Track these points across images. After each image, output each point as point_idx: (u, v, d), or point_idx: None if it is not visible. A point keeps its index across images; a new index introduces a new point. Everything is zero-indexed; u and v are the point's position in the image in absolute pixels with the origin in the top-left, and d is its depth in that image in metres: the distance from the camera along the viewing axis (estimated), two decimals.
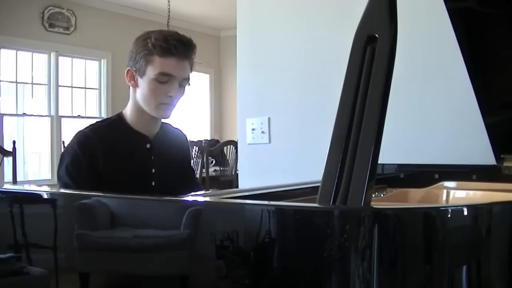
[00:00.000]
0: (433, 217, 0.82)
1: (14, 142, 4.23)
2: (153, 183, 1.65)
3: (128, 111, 1.65)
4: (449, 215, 0.83)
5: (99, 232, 1.07)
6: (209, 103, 8.39)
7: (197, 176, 5.25)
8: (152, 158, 1.66)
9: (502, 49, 1.56)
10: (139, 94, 1.60)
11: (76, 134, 1.60)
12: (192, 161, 5.84)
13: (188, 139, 1.90)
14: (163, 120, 1.70)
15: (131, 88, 1.63)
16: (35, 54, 6.19)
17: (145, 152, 1.65)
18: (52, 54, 6.29)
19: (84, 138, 1.58)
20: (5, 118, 5.91)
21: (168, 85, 1.57)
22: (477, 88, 1.56)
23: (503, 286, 0.86)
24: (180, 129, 1.85)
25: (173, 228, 0.96)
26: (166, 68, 1.55)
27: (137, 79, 1.59)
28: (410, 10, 1.94)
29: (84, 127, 1.64)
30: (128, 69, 1.60)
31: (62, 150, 1.68)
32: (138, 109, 1.62)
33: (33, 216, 1.21)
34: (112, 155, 1.58)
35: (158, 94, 1.57)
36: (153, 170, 1.66)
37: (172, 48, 1.54)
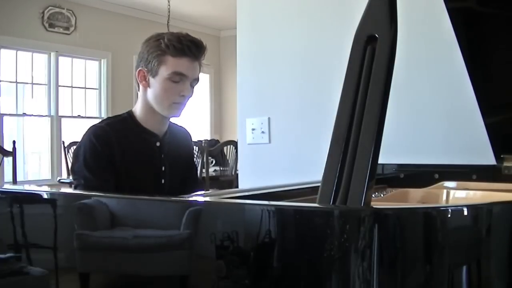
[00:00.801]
0: (433, 217, 0.82)
1: (14, 142, 4.23)
2: (163, 181, 1.67)
3: (138, 110, 1.67)
4: (449, 215, 0.83)
5: (99, 232, 1.07)
6: (209, 103, 8.39)
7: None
8: (162, 156, 1.68)
9: (502, 49, 1.56)
10: (150, 94, 1.63)
11: (90, 128, 1.61)
12: None
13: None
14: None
15: (141, 88, 1.65)
16: (35, 54, 6.19)
17: (155, 151, 1.67)
18: (52, 54, 6.29)
19: (100, 130, 1.59)
20: (5, 118, 5.91)
21: (181, 85, 1.60)
22: (477, 88, 1.56)
23: (503, 286, 0.86)
24: (184, 127, 1.87)
25: (173, 228, 0.96)
26: (179, 68, 1.58)
27: (148, 79, 1.62)
28: (410, 10, 1.94)
29: (96, 122, 1.65)
30: (140, 69, 1.62)
31: (65, 149, 1.68)
32: (149, 109, 1.64)
33: (33, 216, 1.21)
34: (126, 150, 1.60)
35: (171, 93, 1.60)
36: (163, 168, 1.68)
37: (185, 49, 1.58)
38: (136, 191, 1.55)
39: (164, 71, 1.58)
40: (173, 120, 1.73)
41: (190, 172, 1.84)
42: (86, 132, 1.60)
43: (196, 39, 1.62)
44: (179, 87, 1.60)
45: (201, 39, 1.64)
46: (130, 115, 1.68)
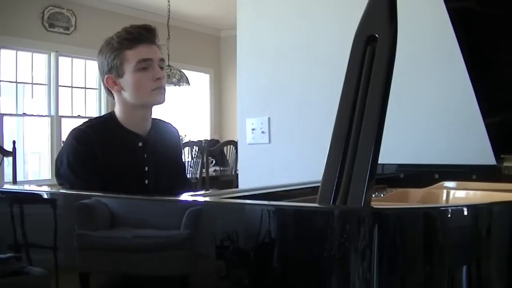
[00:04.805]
0: (433, 217, 0.82)
1: (14, 142, 4.23)
2: (146, 182, 1.66)
3: (117, 112, 1.67)
4: (449, 215, 0.83)
5: (99, 232, 1.07)
6: (209, 103, 8.39)
7: (197, 176, 5.25)
8: (145, 156, 1.67)
9: (502, 49, 1.56)
10: (127, 94, 1.63)
11: (72, 132, 1.61)
12: (192, 161, 5.78)
13: (181, 135, 1.94)
14: (152, 116, 1.72)
15: (115, 95, 1.66)
16: (35, 54, 6.18)
17: (138, 151, 1.66)
18: (52, 54, 6.29)
19: (82, 133, 1.59)
20: (5, 118, 5.91)
21: (150, 70, 1.61)
22: (477, 88, 1.56)
23: (503, 286, 0.86)
24: (171, 123, 1.86)
25: (173, 228, 0.96)
26: (140, 56, 1.59)
27: (119, 82, 1.62)
28: (410, 10, 1.94)
29: (78, 125, 1.65)
30: (107, 77, 1.63)
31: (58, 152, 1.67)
32: (129, 109, 1.65)
33: (33, 216, 1.21)
34: (108, 152, 1.59)
35: (145, 82, 1.61)
36: (146, 169, 1.67)
37: (137, 36, 1.60)
38: (119, 192, 1.55)
39: (128, 66, 1.59)
40: (169, 119, 1.73)
41: (177, 170, 1.82)
42: (68, 136, 1.60)
43: (144, 24, 1.64)
44: (150, 73, 1.61)
45: (149, 24, 1.66)
46: (111, 116, 1.68)
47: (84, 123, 1.66)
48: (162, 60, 1.65)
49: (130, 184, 1.60)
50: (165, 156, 1.74)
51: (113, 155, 1.60)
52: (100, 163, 1.56)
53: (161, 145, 1.73)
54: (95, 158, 1.56)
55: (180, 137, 1.96)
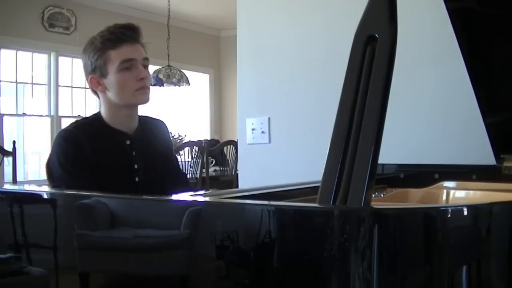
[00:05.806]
0: (433, 217, 0.82)
1: (14, 142, 4.23)
2: (136, 179, 1.66)
3: (103, 112, 1.68)
4: (449, 215, 0.83)
5: (99, 232, 1.07)
6: (209, 103, 8.38)
7: (197, 176, 5.25)
8: (134, 154, 1.67)
9: (502, 49, 1.56)
10: (111, 94, 1.63)
11: (59, 134, 1.61)
12: (192, 161, 5.76)
13: (181, 135, 1.93)
14: (140, 114, 1.72)
15: (100, 95, 1.66)
16: (35, 54, 6.18)
17: (126, 149, 1.66)
18: (52, 54, 6.29)
19: (69, 133, 1.59)
20: (5, 118, 5.91)
21: (134, 70, 1.61)
22: (477, 88, 1.56)
23: (503, 286, 0.86)
24: (160, 119, 1.85)
25: (173, 228, 0.96)
26: (123, 56, 1.59)
27: (103, 83, 1.63)
28: (410, 10, 1.94)
29: (65, 127, 1.65)
30: (91, 77, 1.64)
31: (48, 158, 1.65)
32: (113, 109, 1.65)
33: (33, 216, 1.21)
34: (96, 151, 1.59)
35: (129, 82, 1.60)
36: (136, 166, 1.66)
37: (120, 36, 1.59)
38: (109, 190, 1.54)
39: (112, 66, 1.59)
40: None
41: (169, 165, 1.81)
42: (56, 138, 1.60)
43: (127, 24, 1.63)
44: (133, 73, 1.60)
45: (132, 22, 1.65)
46: (98, 116, 1.68)
47: (70, 124, 1.66)
48: (146, 59, 1.64)
49: (120, 183, 1.60)
50: (155, 152, 1.73)
51: (102, 154, 1.60)
52: (89, 162, 1.56)
53: (149, 141, 1.72)
54: (85, 157, 1.56)
55: (181, 137, 1.95)
